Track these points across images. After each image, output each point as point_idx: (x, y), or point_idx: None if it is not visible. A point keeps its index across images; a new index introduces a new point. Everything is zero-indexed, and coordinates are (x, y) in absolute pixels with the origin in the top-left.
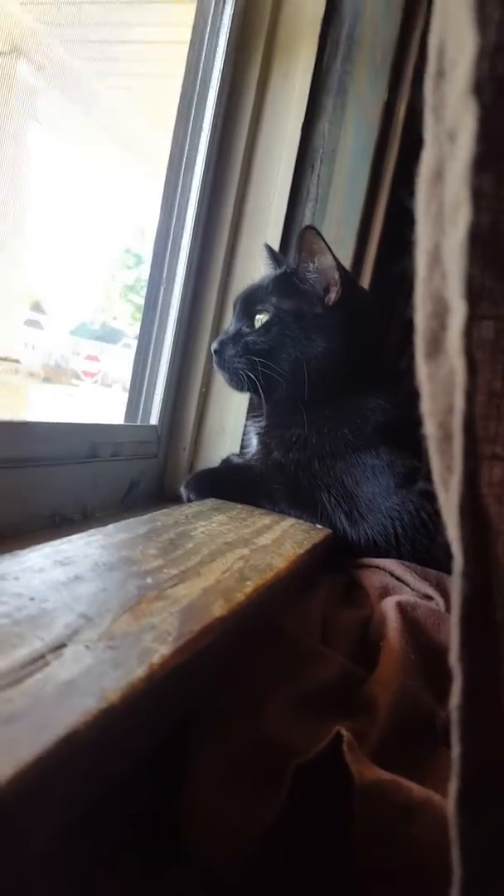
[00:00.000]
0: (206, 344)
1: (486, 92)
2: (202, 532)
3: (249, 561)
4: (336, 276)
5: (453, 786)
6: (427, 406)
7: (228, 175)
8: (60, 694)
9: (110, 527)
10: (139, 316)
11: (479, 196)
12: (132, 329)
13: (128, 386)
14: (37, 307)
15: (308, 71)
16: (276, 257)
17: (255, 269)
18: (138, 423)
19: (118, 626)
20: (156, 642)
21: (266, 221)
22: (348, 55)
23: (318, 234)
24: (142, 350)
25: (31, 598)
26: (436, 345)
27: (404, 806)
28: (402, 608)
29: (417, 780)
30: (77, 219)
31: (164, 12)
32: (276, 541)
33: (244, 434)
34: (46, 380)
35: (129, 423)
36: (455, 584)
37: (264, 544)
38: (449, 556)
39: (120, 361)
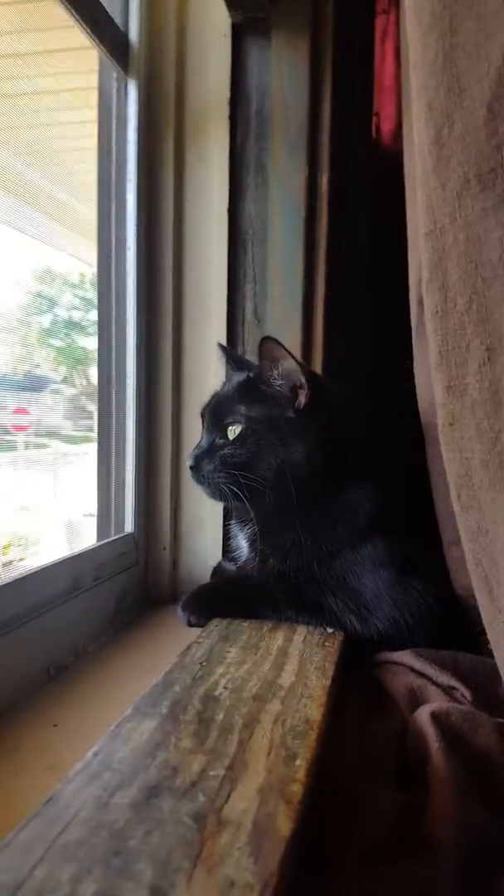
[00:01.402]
0: (168, 438)
1: None
2: (224, 686)
3: (286, 721)
4: (302, 378)
5: None
6: None
7: (162, 265)
8: None
9: (130, 711)
10: (62, 359)
11: None
12: (57, 374)
13: (71, 434)
14: None
15: (224, 151)
16: (232, 357)
17: (204, 355)
18: (113, 537)
19: (195, 893)
20: None
21: (208, 309)
22: (261, 132)
23: (278, 342)
24: (103, 460)
25: (94, 879)
26: None
27: None
28: (437, 720)
29: None
30: None
31: (38, 62)
32: (300, 674)
33: (232, 538)
34: None
35: (105, 541)
36: None
37: (290, 684)
38: (459, 636)
39: (52, 409)
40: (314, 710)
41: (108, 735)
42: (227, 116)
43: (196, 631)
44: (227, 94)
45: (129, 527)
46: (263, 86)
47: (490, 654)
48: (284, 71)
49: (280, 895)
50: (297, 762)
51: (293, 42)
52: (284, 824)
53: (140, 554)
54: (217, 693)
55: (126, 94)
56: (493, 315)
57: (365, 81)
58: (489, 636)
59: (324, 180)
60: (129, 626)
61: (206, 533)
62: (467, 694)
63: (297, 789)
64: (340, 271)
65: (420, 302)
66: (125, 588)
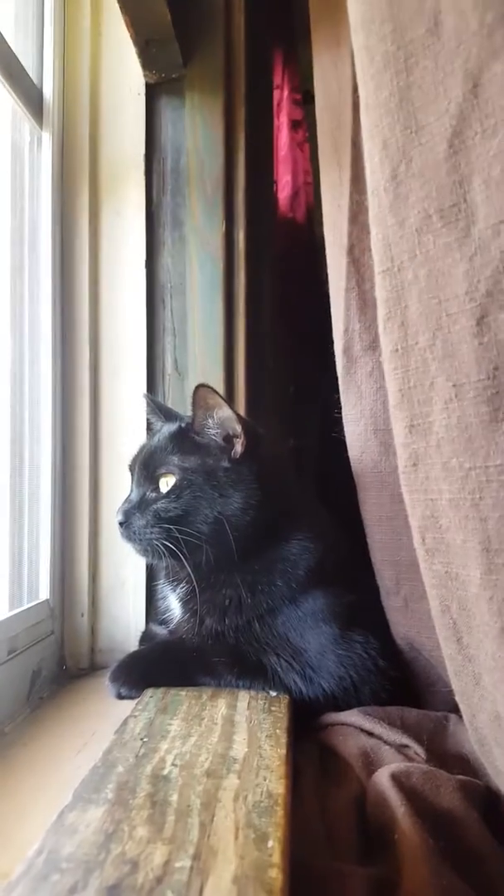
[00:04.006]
0: (86, 495)
1: None
2: (173, 763)
3: (248, 797)
4: (238, 427)
5: None
6: None
7: (77, 319)
8: None
9: (71, 799)
10: None
11: None
12: None
13: None
14: None
15: (140, 206)
16: (159, 407)
17: (123, 409)
18: (27, 605)
19: None
20: None
21: (126, 361)
22: (178, 188)
23: (213, 390)
24: (15, 521)
25: None
26: None
27: None
28: (398, 783)
29: None
30: None
31: None
32: (252, 744)
33: (160, 599)
34: None
35: (19, 610)
36: None
37: (244, 755)
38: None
39: None
40: (275, 782)
41: (51, 828)
42: (143, 172)
43: (124, 704)
44: (142, 150)
45: (44, 593)
46: (179, 143)
47: (455, 707)
48: (199, 130)
49: None
50: (270, 843)
51: (207, 102)
52: None
53: (56, 622)
54: (166, 771)
55: (40, 147)
56: (459, 350)
57: (268, 147)
58: (455, 687)
59: (241, 235)
60: (47, 702)
61: (128, 596)
62: (420, 751)
63: (275, 875)
64: (258, 325)
65: (346, 351)
66: (41, 661)
